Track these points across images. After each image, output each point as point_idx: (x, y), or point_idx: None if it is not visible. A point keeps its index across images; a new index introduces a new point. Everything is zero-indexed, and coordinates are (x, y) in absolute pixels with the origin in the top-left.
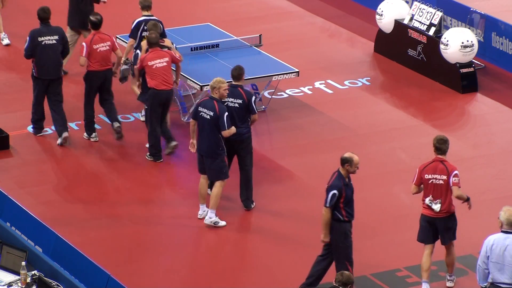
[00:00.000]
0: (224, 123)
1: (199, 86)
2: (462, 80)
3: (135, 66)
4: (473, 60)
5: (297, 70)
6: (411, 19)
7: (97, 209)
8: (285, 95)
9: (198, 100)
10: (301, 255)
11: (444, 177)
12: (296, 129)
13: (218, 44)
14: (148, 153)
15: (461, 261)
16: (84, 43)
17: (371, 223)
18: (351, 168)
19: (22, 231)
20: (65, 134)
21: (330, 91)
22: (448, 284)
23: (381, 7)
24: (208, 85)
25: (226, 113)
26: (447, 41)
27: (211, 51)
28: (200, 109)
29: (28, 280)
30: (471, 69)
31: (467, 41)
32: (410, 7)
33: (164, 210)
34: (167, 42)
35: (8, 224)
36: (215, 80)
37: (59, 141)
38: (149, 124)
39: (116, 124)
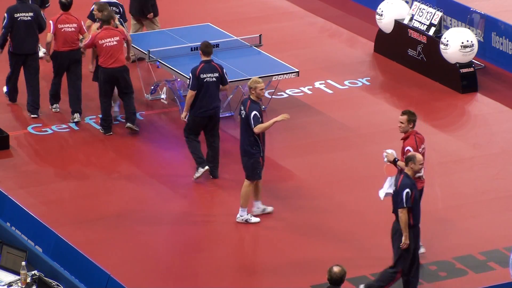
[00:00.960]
0: (251, 121)
1: None
2: (462, 80)
3: (84, 44)
4: (473, 60)
5: (297, 70)
6: (411, 19)
7: (97, 209)
8: (285, 95)
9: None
10: (300, 255)
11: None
12: (296, 129)
13: (218, 44)
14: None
15: (461, 261)
16: (51, 21)
17: (371, 223)
18: (415, 166)
19: (22, 231)
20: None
21: (330, 91)
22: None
23: (381, 7)
24: None
25: (254, 112)
26: (447, 41)
27: None
28: (241, 107)
29: (28, 280)
30: (471, 69)
31: (467, 41)
32: (410, 7)
33: (165, 210)
34: (120, 27)
35: (8, 224)
36: (252, 80)
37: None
38: (99, 99)
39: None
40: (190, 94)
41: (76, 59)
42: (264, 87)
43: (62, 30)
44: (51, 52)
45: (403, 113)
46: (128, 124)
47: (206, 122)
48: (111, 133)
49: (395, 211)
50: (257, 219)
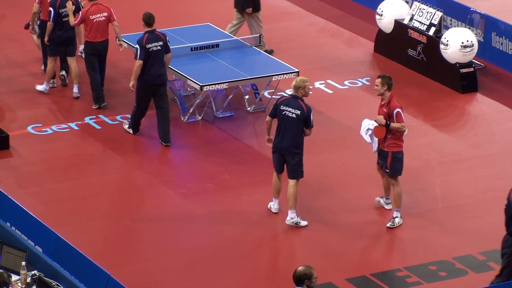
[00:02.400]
0: (311, 121)
1: (199, 86)
2: (462, 80)
3: (75, 21)
4: (473, 60)
5: (297, 70)
6: (411, 19)
7: (98, 209)
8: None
9: (278, 99)
10: (300, 255)
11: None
12: None
13: (218, 44)
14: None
15: (461, 261)
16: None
17: (371, 223)
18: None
19: (22, 231)
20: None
21: (330, 91)
22: (387, 207)
23: (381, 7)
24: (208, 85)
25: (311, 111)
26: (447, 41)
27: (211, 51)
28: (282, 107)
29: (28, 280)
30: (471, 69)
31: (467, 41)
32: (410, 7)
33: (165, 210)
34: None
35: (8, 224)
36: (300, 80)
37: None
38: (88, 73)
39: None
40: (138, 63)
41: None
42: (310, 86)
43: (94, 21)
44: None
45: (378, 77)
46: (96, 106)
47: (155, 90)
48: (105, 103)
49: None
50: (305, 222)
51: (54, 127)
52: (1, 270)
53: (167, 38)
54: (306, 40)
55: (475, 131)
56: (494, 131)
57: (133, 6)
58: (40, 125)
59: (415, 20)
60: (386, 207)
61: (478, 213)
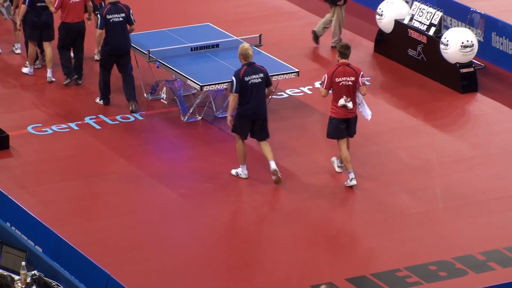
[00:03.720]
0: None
1: (199, 86)
2: (462, 80)
3: (54, 6)
4: (473, 60)
5: (297, 70)
6: (411, 19)
7: (97, 209)
8: (285, 95)
9: (237, 73)
10: (300, 255)
11: (353, 78)
12: (296, 129)
13: (218, 44)
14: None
15: (461, 261)
16: None
17: (371, 223)
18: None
19: (22, 231)
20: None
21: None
22: (338, 170)
23: (381, 7)
24: (208, 85)
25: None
26: (447, 41)
27: (211, 51)
28: (247, 79)
29: (28, 280)
30: (471, 69)
31: (467, 41)
32: (410, 7)
33: (165, 210)
34: None
35: (8, 224)
36: (244, 48)
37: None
38: (59, 52)
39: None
40: (99, 32)
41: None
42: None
43: (71, 2)
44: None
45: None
46: (67, 81)
47: (116, 59)
48: (77, 75)
49: None
50: (245, 175)
51: (54, 127)
52: (5, 273)
53: (131, 11)
54: (306, 40)
55: (475, 131)
56: (494, 131)
57: (133, 6)
58: (40, 125)
59: (415, 20)
60: (337, 170)
61: (478, 213)
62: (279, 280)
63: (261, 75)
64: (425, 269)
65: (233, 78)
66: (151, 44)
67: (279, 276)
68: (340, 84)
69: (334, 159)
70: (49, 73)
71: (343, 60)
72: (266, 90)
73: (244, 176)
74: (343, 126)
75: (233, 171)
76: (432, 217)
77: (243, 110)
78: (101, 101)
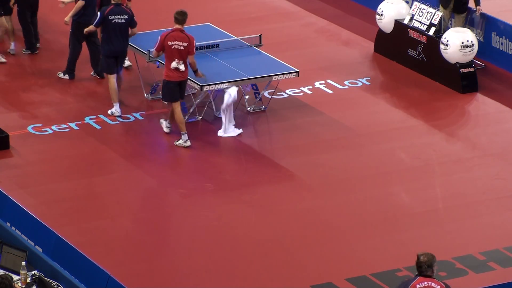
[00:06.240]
0: (135, 21)
1: (199, 86)
2: (462, 80)
3: None
4: (473, 60)
5: (297, 70)
6: (411, 19)
7: (98, 209)
8: (285, 95)
9: (104, 10)
10: (300, 255)
11: (185, 44)
12: (296, 129)
13: (218, 44)
14: (25, 48)
15: (461, 261)
16: None
17: (371, 223)
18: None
19: (22, 231)
20: None
21: (330, 91)
22: (166, 130)
23: (381, 7)
24: (208, 85)
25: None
26: (447, 41)
27: (211, 51)
28: (111, 17)
29: (28, 280)
30: (471, 69)
31: (467, 41)
32: (410, 7)
33: (165, 210)
34: None
35: (8, 224)
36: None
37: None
38: (21, 24)
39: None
40: (81, 4)
41: None
42: None
43: None
44: None
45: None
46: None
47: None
48: (37, 52)
49: None
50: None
51: (54, 127)
52: (7, 273)
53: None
54: (306, 40)
55: (475, 131)
56: (494, 131)
57: (134, 6)
58: (40, 125)
59: (415, 20)
60: (166, 130)
61: (478, 213)
62: (279, 280)
63: (126, 16)
64: None
65: (99, 13)
66: (151, 44)
67: (279, 276)
68: (173, 47)
69: (162, 120)
70: (12, 46)
71: (177, 26)
72: (130, 30)
73: (117, 114)
74: (177, 89)
75: (109, 111)
76: (432, 217)
77: (107, 50)
78: (66, 75)
